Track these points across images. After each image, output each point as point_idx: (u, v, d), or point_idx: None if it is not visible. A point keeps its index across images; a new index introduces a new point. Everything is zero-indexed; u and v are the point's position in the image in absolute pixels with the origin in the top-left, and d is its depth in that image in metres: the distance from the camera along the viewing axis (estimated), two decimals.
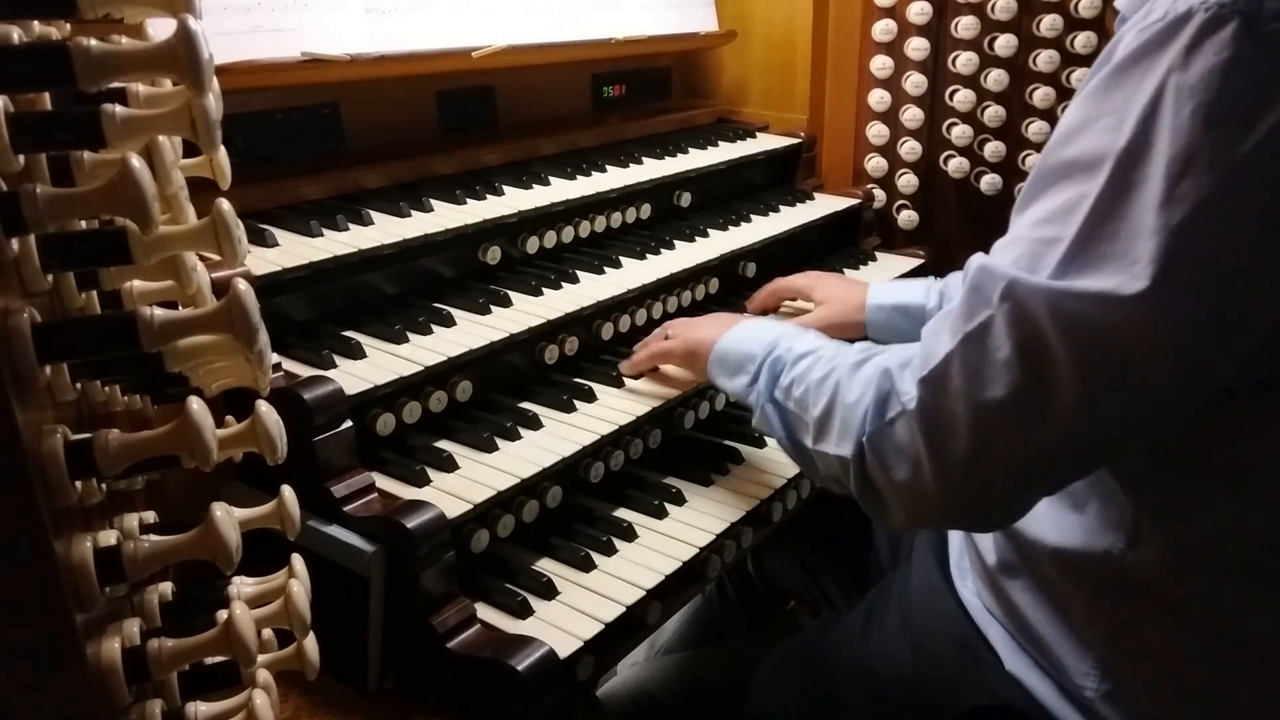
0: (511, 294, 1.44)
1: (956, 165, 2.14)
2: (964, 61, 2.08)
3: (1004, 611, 1.13)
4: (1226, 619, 0.95)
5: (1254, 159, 0.75)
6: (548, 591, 1.14)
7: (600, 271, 1.56)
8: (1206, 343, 0.81)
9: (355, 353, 1.23)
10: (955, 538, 1.28)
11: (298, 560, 0.73)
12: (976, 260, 0.89)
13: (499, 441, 1.25)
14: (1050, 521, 1.05)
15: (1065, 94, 2.07)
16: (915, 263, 2.03)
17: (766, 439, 1.50)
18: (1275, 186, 0.77)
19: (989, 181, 2.12)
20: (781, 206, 2.00)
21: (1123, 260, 0.79)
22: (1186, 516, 0.94)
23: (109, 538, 0.63)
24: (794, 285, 1.67)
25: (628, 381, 1.43)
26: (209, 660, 0.66)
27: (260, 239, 1.30)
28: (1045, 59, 2.04)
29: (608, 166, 1.78)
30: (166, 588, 0.74)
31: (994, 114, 2.09)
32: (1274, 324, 0.82)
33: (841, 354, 1.07)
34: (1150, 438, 0.91)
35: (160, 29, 0.57)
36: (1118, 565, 0.98)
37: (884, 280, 1.67)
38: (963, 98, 2.09)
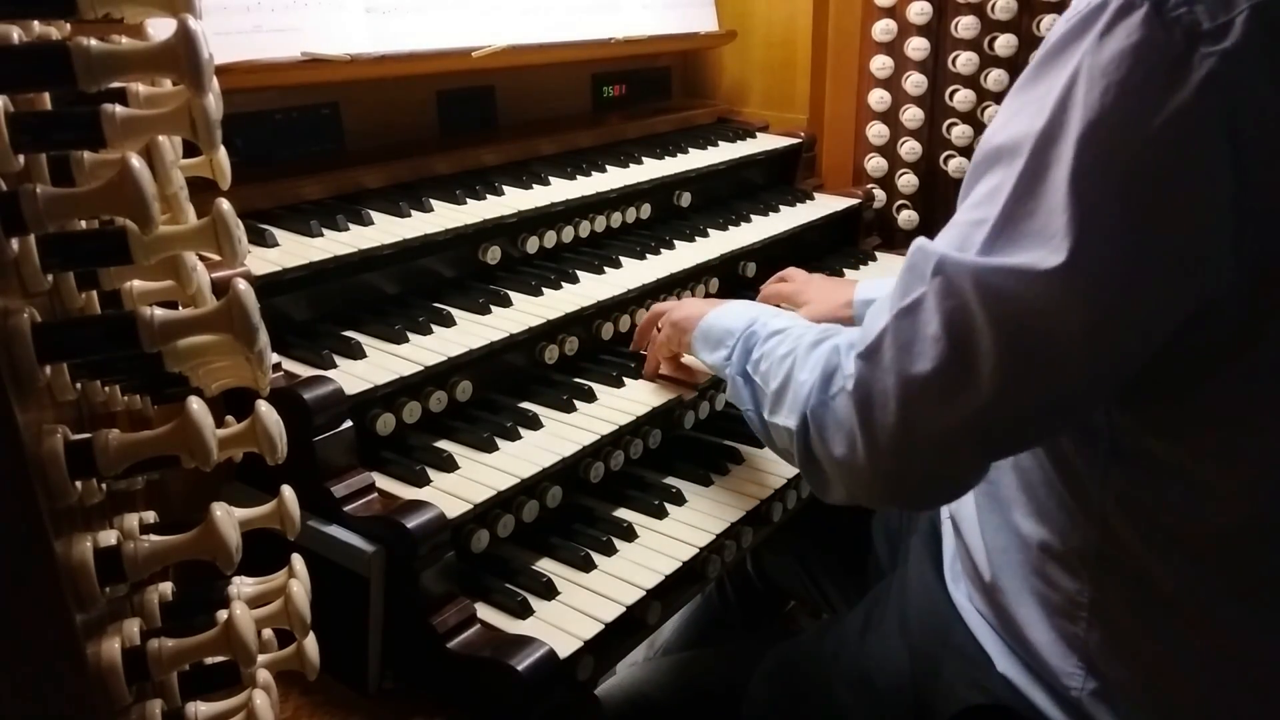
0: (511, 294, 1.44)
1: (956, 165, 2.13)
2: (964, 61, 2.08)
3: (993, 613, 1.14)
4: (1202, 608, 0.95)
5: (1161, 136, 0.78)
6: (548, 591, 1.14)
7: (600, 271, 1.56)
8: (1122, 317, 0.83)
9: (355, 353, 1.23)
10: (948, 543, 1.28)
11: (298, 560, 0.73)
12: (916, 242, 0.93)
13: (499, 441, 1.25)
14: (1029, 517, 1.06)
15: None
16: None
17: None
18: (1182, 164, 0.79)
19: None
20: (781, 206, 2.00)
21: (1041, 236, 0.82)
22: (1150, 506, 0.95)
23: (109, 538, 0.63)
24: (781, 293, 1.66)
25: (628, 381, 1.43)
26: (209, 660, 0.66)
27: (260, 239, 1.30)
28: None
29: (608, 166, 1.78)
30: (166, 588, 0.74)
31: (994, 114, 2.08)
32: (1195, 304, 0.83)
33: (804, 332, 1.11)
34: (1080, 415, 0.93)
35: (160, 29, 0.57)
36: (1094, 557, 0.99)
37: (875, 278, 1.66)
38: (963, 98, 2.10)
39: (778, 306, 1.66)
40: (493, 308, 1.40)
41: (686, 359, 1.45)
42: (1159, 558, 0.95)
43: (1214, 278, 0.82)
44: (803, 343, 1.08)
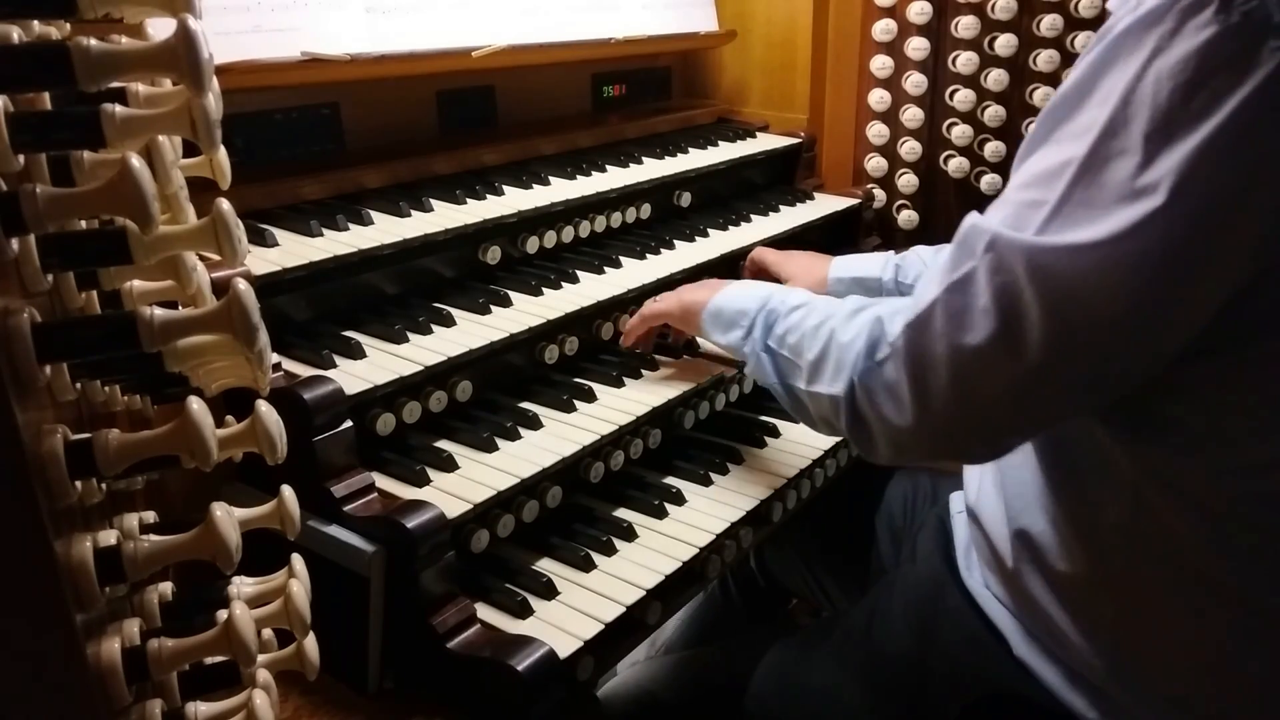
0: (511, 294, 1.44)
1: (956, 165, 2.13)
2: (964, 61, 2.08)
3: (1013, 599, 1.14)
4: (1237, 584, 0.96)
5: (1228, 129, 0.80)
6: (548, 591, 1.14)
7: (600, 271, 1.56)
8: (1169, 295, 0.86)
9: (355, 353, 1.23)
10: (961, 534, 1.29)
11: (298, 560, 0.73)
12: (969, 219, 0.96)
13: (499, 441, 1.25)
14: (1057, 497, 1.07)
15: None
16: None
17: (766, 439, 1.51)
18: (1246, 155, 0.81)
19: (989, 181, 2.12)
20: (781, 206, 2.00)
21: (1097, 222, 0.85)
22: (1185, 479, 0.96)
23: (109, 538, 0.63)
24: (766, 260, 1.71)
25: (628, 381, 1.43)
26: (209, 660, 0.66)
27: (260, 239, 1.30)
28: (1045, 59, 2.04)
29: (608, 166, 1.78)
30: (166, 588, 0.74)
31: (994, 114, 2.09)
32: (1238, 285, 0.86)
33: (835, 305, 1.15)
34: (1124, 386, 0.94)
35: (160, 29, 0.57)
36: (1125, 534, 1.01)
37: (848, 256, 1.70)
38: (963, 98, 2.09)
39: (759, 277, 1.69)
40: (493, 308, 1.40)
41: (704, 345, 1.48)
42: (1191, 530, 0.96)
43: (1265, 257, 0.84)
44: (839, 313, 1.11)
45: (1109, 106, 0.85)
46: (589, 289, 1.49)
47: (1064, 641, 1.08)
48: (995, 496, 1.16)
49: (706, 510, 1.33)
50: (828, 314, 1.13)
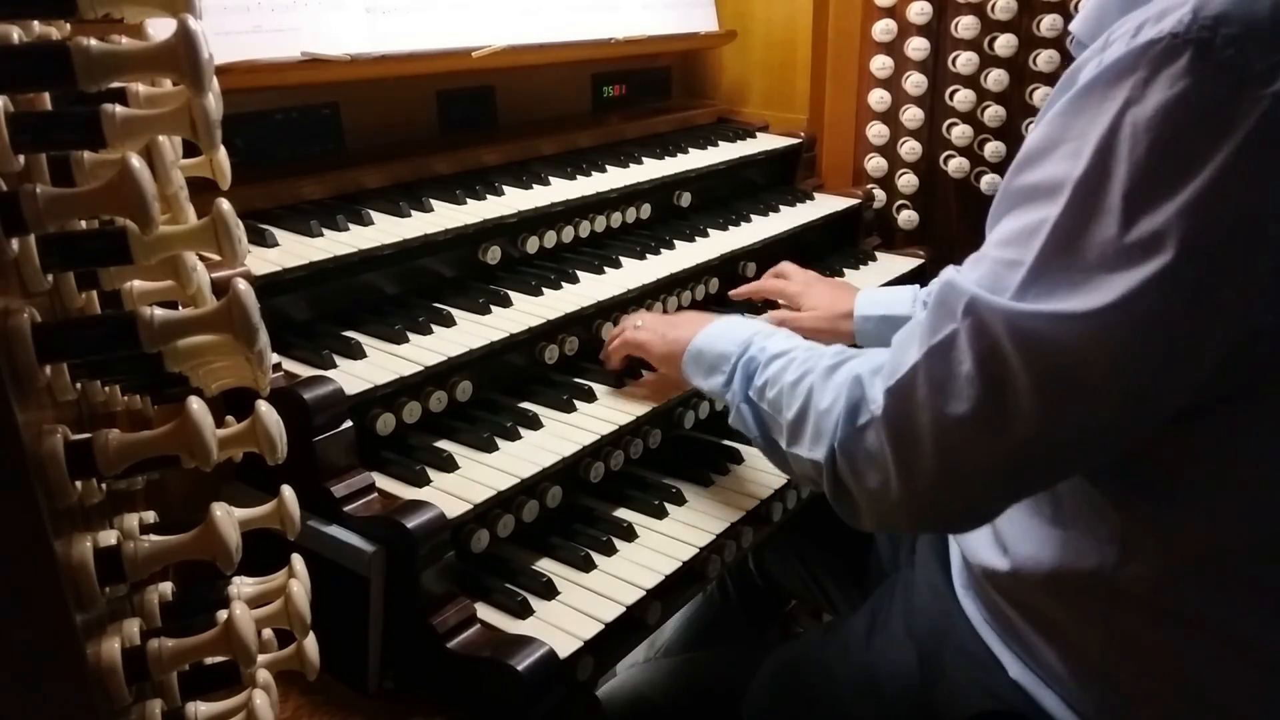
0: (511, 294, 1.44)
1: (956, 165, 2.13)
2: (964, 61, 2.08)
3: (1003, 626, 1.13)
4: (1226, 626, 0.95)
5: (1209, 190, 0.76)
6: (548, 591, 1.14)
7: (600, 271, 1.56)
8: (1157, 366, 0.82)
9: (355, 353, 1.23)
10: (955, 550, 1.28)
11: (298, 560, 0.73)
12: (945, 274, 0.92)
13: (499, 441, 1.25)
14: (1041, 540, 1.05)
15: None
16: (915, 263, 2.03)
17: None
18: (1230, 217, 0.78)
19: (989, 181, 2.12)
20: (781, 206, 2.01)
21: (1080, 286, 0.81)
22: (1173, 528, 0.94)
23: (109, 538, 0.63)
24: (784, 292, 1.66)
25: (628, 381, 1.43)
26: (209, 660, 0.66)
27: (260, 239, 1.30)
28: (1045, 59, 2.04)
29: (608, 166, 1.78)
30: (166, 588, 0.74)
31: (994, 114, 2.09)
32: (1231, 347, 0.83)
33: (814, 357, 1.09)
34: (1114, 451, 0.92)
35: (160, 29, 0.57)
36: (1111, 579, 0.99)
37: (874, 285, 1.65)
38: (963, 98, 2.09)
39: (776, 304, 1.67)
40: (493, 308, 1.40)
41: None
42: (1178, 576, 0.95)
43: (1258, 315, 0.81)
44: (816, 369, 1.06)
45: (1082, 162, 0.81)
46: (589, 289, 1.49)
47: (1053, 673, 1.07)
48: (983, 530, 1.14)
49: (707, 510, 1.33)
50: (807, 367, 1.07)
